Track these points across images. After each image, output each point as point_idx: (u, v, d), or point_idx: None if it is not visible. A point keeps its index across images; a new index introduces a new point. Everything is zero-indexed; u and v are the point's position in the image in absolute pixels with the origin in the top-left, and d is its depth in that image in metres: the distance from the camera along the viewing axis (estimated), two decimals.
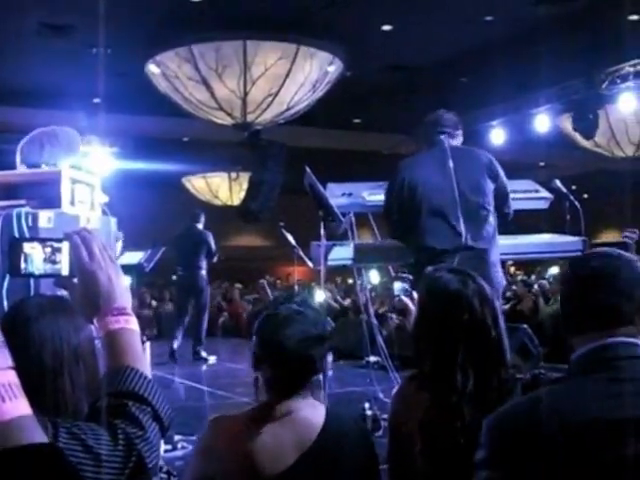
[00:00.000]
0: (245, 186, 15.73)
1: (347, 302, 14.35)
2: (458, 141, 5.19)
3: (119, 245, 5.50)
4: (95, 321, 1.60)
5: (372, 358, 9.78)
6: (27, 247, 1.60)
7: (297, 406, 2.50)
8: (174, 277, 18.94)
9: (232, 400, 8.48)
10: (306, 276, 16.68)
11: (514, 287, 11.43)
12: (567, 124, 12.84)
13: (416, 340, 2.71)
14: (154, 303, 19.01)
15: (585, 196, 24.02)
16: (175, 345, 11.48)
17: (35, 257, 1.60)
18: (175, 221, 21.20)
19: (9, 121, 13.52)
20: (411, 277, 4.08)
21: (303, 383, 2.53)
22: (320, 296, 12.00)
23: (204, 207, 20.21)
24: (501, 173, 5.07)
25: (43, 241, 1.62)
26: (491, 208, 4.95)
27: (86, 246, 1.62)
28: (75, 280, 1.62)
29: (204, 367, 11.40)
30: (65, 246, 1.62)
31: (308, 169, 5.51)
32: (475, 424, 2.45)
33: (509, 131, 13.38)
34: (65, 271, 1.62)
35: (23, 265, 1.60)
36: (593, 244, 21.78)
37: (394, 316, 9.68)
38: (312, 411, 2.52)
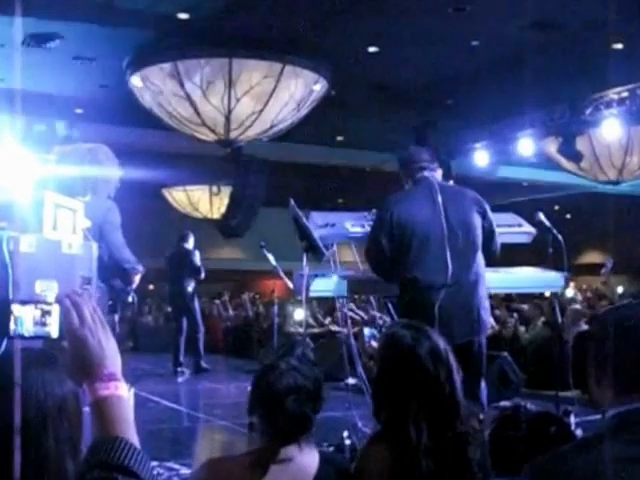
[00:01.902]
0: (226, 200, 15.72)
1: (328, 321, 14.29)
2: (439, 174, 5.24)
3: (137, 278, 5.50)
4: (84, 385, 1.59)
5: (351, 380, 9.72)
6: (16, 309, 1.61)
7: (293, 454, 2.59)
8: (151, 286, 18.95)
9: (210, 423, 8.43)
10: (287, 292, 16.62)
11: (497, 311, 11.39)
12: (551, 147, 12.89)
13: (373, 394, 2.72)
14: (129, 314, 18.90)
15: (568, 216, 24.19)
16: (180, 358, 12.09)
17: (25, 319, 1.61)
18: (155, 231, 21.24)
19: None
20: (381, 322, 4.12)
21: (298, 435, 2.61)
22: (299, 315, 12.02)
23: (184, 218, 20.22)
24: (489, 211, 5.10)
25: (34, 303, 1.63)
26: (480, 242, 4.98)
27: (77, 310, 1.61)
28: (65, 343, 1.61)
29: (181, 385, 11.35)
30: (55, 309, 1.62)
31: (292, 201, 5.51)
32: (432, 476, 2.50)
33: (493, 152, 13.41)
34: (55, 333, 1.62)
35: (12, 327, 1.60)
36: (576, 265, 21.77)
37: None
38: (307, 459, 2.62)
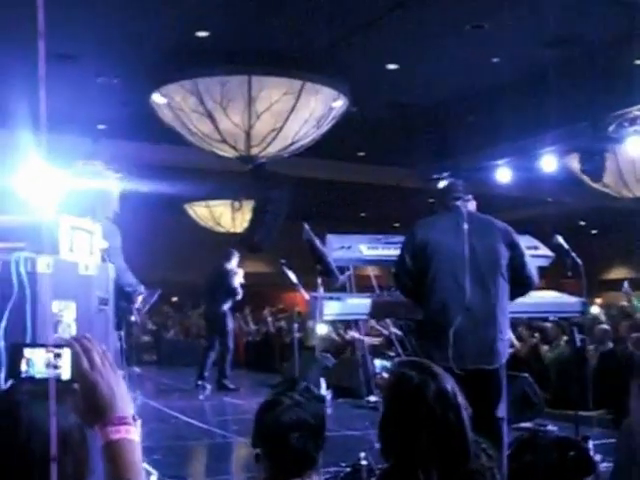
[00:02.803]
0: (248, 215, 15.74)
1: (349, 336, 14.23)
2: (472, 205, 5.31)
3: (140, 299, 5.61)
4: (96, 428, 1.61)
5: (372, 398, 9.66)
6: (28, 352, 1.64)
7: None
8: (174, 299, 18.84)
9: (228, 439, 8.40)
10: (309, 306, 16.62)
11: (519, 328, 11.28)
12: (575, 164, 12.80)
13: (380, 433, 2.67)
14: (153, 327, 19.01)
15: (594, 232, 23.97)
16: (205, 374, 12.19)
17: (36, 361, 1.64)
18: (178, 245, 21.36)
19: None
20: (392, 354, 4.09)
21: (301, 471, 2.60)
22: (321, 330, 11.99)
23: (208, 233, 20.27)
24: (518, 241, 5.14)
25: (44, 347, 1.65)
26: (504, 272, 5.00)
27: (87, 354, 1.63)
28: (76, 386, 1.63)
29: (202, 401, 11.34)
30: (66, 352, 1.64)
31: (306, 225, 5.54)
32: None
33: (516, 169, 13.34)
34: (66, 375, 1.64)
35: (24, 368, 1.64)
36: (602, 280, 21.61)
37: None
38: None
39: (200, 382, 12.02)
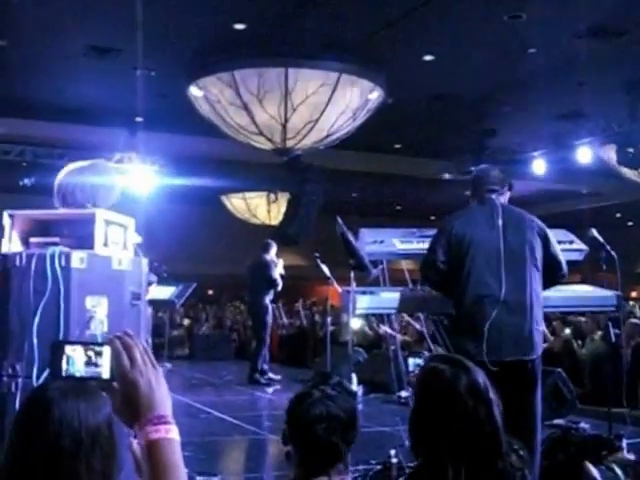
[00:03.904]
0: (283, 208, 15.77)
1: (382, 330, 14.17)
2: (506, 198, 5.26)
3: (153, 287, 5.57)
4: (135, 428, 1.60)
5: (403, 393, 9.57)
6: (69, 349, 1.64)
7: None
8: (210, 292, 18.82)
9: (258, 436, 8.26)
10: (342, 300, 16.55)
11: (554, 323, 11.21)
12: (611, 154, 12.67)
13: (410, 429, 2.66)
14: (186, 322, 19.00)
15: (630, 224, 23.73)
16: (265, 367, 12.28)
17: (77, 359, 1.63)
18: (213, 237, 21.44)
19: (56, 137, 13.78)
20: (424, 351, 4.07)
21: (330, 466, 2.59)
22: (355, 324, 11.94)
23: (243, 225, 20.34)
24: (551, 236, 5.10)
25: (85, 345, 1.65)
26: (538, 264, 4.98)
27: (127, 352, 1.62)
28: (115, 384, 1.62)
29: (234, 395, 11.29)
30: (106, 350, 1.63)
31: (339, 219, 5.53)
32: None
33: (552, 160, 13.23)
34: (106, 374, 1.63)
35: (65, 367, 1.63)
36: (638, 273, 21.31)
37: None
38: None
39: (268, 376, 12.11)
